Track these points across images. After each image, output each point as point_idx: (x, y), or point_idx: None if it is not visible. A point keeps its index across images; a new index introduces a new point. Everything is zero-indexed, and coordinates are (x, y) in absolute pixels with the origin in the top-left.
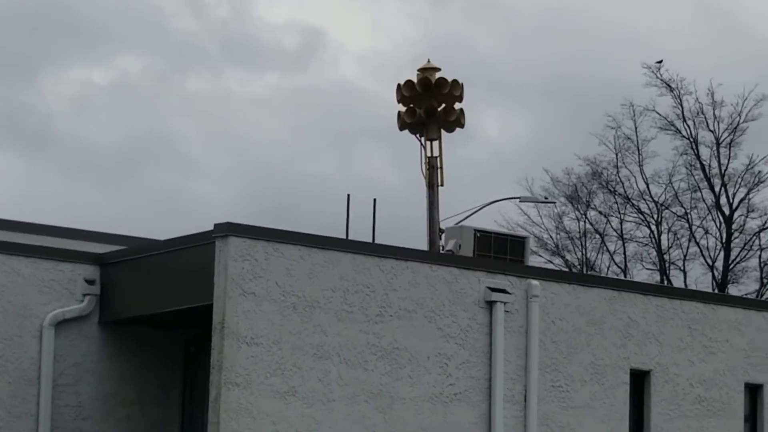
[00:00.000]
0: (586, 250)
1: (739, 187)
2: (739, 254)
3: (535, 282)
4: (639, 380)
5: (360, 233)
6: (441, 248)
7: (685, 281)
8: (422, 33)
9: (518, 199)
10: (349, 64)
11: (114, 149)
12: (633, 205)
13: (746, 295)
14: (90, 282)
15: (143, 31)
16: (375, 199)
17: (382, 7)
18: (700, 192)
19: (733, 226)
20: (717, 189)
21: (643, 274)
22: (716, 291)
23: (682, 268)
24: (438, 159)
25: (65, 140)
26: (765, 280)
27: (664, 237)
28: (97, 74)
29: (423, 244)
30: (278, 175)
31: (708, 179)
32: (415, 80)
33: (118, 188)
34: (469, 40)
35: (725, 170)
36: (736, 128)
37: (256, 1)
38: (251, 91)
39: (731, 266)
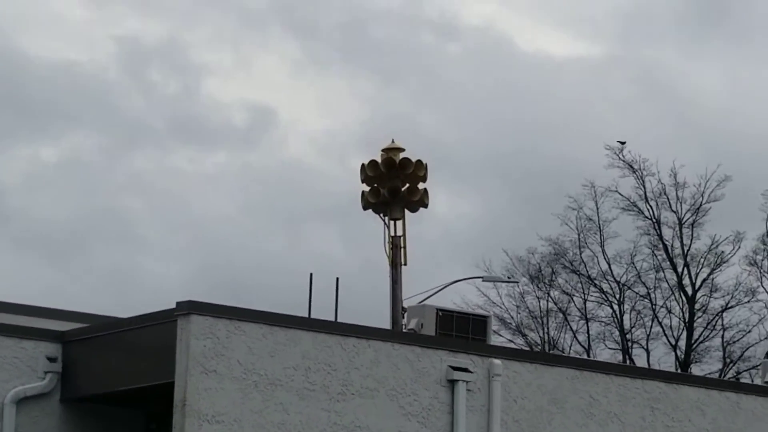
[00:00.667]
0: (548, 328)
1: (701, 267)
2: (702, 334)
3: (497, 361)
4: None
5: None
6: (403, 327)
7: (648, 360)
8: (369, 112)
9: (482, 279)
10: (299, 143)
11: (64, 225)
12: (596, 285)
13: (709, 374)
14: (52, 359)
15: (93, 108)
16: (338, 278)
17: (330, 87)
18: (663, 272)
19: (696, 306)
20: (680, 269)
21: (606, 353)
22: (679, 370)
23: (645, 347)
24: (402, 238)
25: (17, 216)
26: (728, 360)
27: (626, 316)
28: (47, 151)
29: (381, 323)
30: (230, 252)
31: (671, 259)
32: (379, 160)
33: (69, 265)
34: (417, 119)
35: (688, 250)
36: (698, 209)
37: (206, 80)
38: (201, 169)
39: (694, 346)
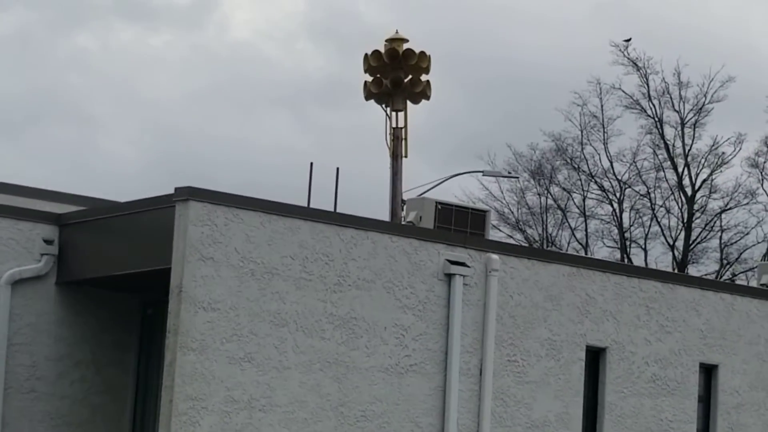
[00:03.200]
0: (547, 225)
1: (702, 168)
2: (699, 234)
3: (494, 256)
4: (594, 357)
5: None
6: (402, 219)
7: (645, 260)
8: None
9: (481, 173)
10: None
11: (13, 102)
12: (596, 182)
13: (705, 275)
14: (48, 242)
15: None
16: (338, 168)
17: None
18: (664, 171)
19: (695, 207)
20: (680, 169)
21: (603, 251)
22: (676, 271)
23: (643, 246)
24: (402, 130)
25: None
26: (724, 261)
27: (626, 215)
28: None
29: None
30: (190, 138)
31: (671, 159)
32: (382, 50)
33: (23, 141)
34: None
35: (689, 150)
36: (701, 109)
37: None
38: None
39: (692, 246)
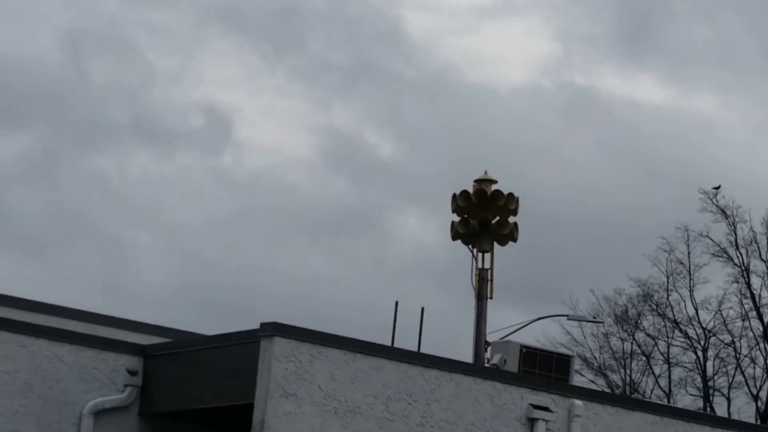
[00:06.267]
0: (630, 371)
1: None
2: None
3: (578, 402)
4: None
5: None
6: (486, 361)
7: (728, 409)
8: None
9: (567, 317)
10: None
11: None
12: (681, 329)
13: None
14: (132, 373)
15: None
16: (423, 308)
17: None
18: (749, 321)
19: None
20: (766, 319)
21: (686, 399)
22: (759, 422)
23: (726, 395)
24: (489, 271)
25: None
26: None
27: (710, 363)
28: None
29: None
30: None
31: (757, 309)
32: (470, 191)
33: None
34: None
35: None
36: None
37: None
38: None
39: None
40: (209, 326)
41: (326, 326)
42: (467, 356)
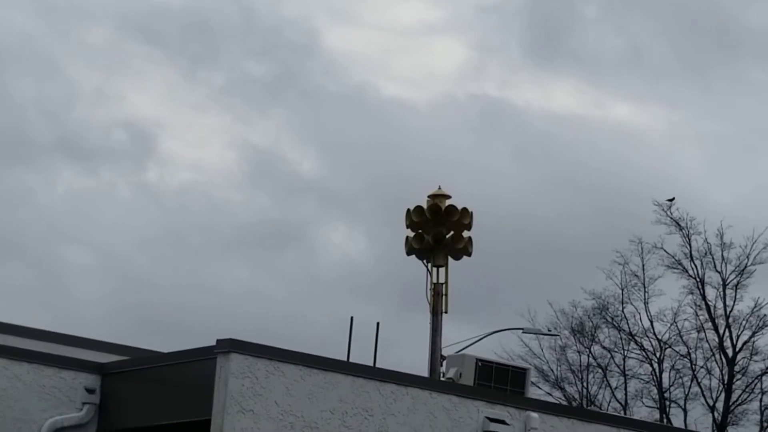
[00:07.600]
0: (587, 383)
1: (743, 330)
2: (740, 396)
3: (534, 414)
4: None
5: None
6: (441, 375)
7: (685, 421)
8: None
9: (522, 330)
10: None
11: None
12: (636, 341)
13: None
14: (90, 391)
15: None
16: (378, 323)
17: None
18: (704, 332)
19: (736, 368)
20: (721, 330)
21: (643, 411)
22: None
23: (682, 407)
24: (444, 286)
25: None
26: (765, 424)
27: (666, 375)
28: None
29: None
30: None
31: (713, 320)
32: (425, 206)
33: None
34: None
35: (730, 312)
36: (743, 270)
37: None
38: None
39: (732, 408)
40: (145, 344)
41: (261, 340)
42: (423, 371)
